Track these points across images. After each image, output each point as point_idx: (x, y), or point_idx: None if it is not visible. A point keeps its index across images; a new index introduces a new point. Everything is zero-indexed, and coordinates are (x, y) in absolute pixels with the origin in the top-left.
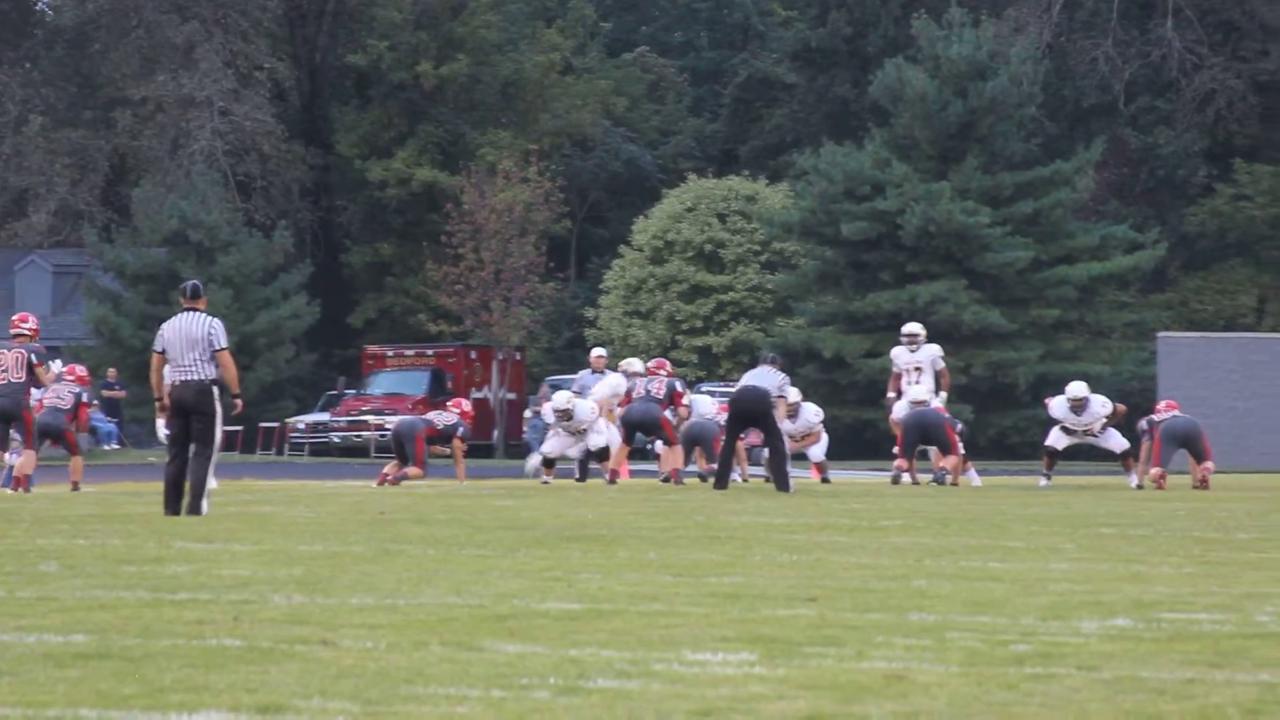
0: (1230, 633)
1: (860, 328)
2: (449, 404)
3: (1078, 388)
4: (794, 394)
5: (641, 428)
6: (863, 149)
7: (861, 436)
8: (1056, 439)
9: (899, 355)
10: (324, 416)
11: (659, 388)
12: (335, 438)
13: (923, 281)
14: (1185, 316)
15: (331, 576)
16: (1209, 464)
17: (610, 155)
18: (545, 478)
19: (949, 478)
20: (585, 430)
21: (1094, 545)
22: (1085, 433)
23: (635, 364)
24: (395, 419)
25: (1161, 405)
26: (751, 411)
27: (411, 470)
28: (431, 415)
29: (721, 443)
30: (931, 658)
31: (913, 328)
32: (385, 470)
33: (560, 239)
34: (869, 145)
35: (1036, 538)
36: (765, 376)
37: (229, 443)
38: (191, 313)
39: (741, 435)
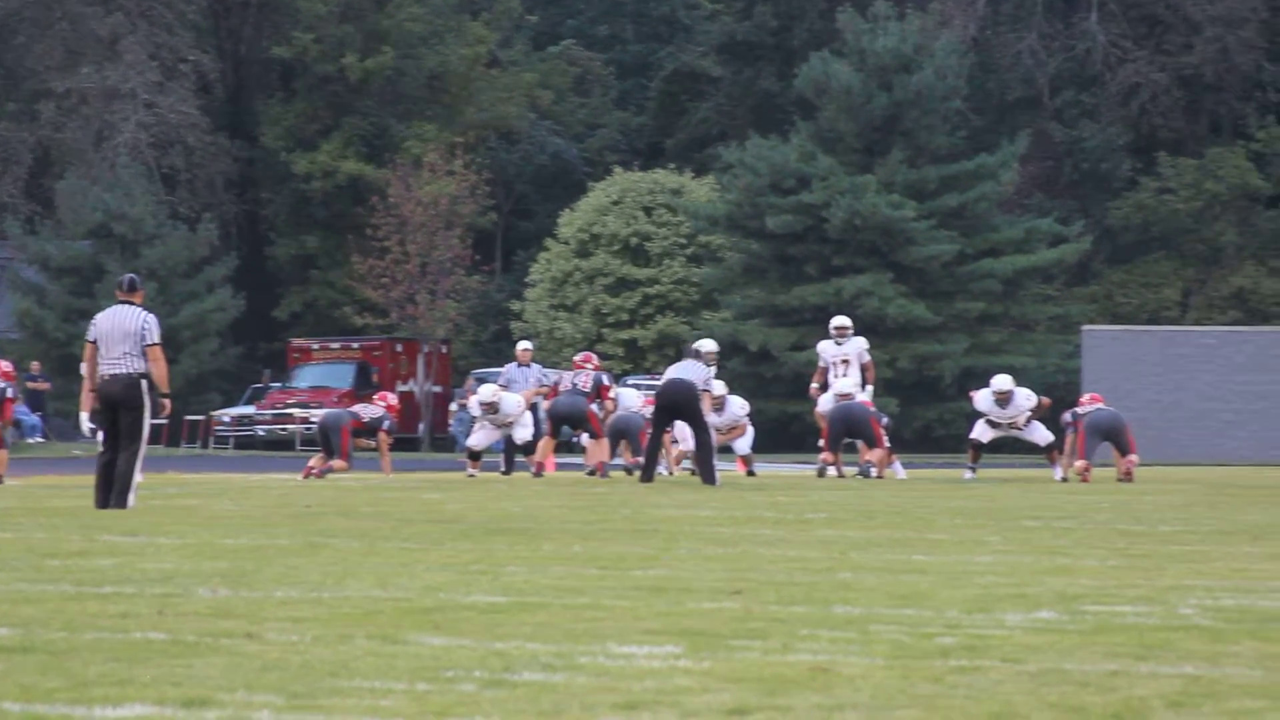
0: (1154, 625)
1: (786, 321)
2: (375, 397)
3: (1002, 381)
4: (719, 387)
5: (568, 421)
6: (788, 142)
7: (787, 429)
8: (981, 432)
9: (825, 349)
10: (249, 409)
11: (585, 381)
12: (260, 431)
13: (848, 275)
14: (1109, 310)
15: (256, 570)
16: (1133, 457)
17: (536, 148)
18: (471, 471)
19: (874, 470)
20: (511, 423)
21: (1019, 538)
22: (1010, 426)
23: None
24: (321, 412)
25: (1085, 398)
26: (677, 405)
27: (337, 463)
28: (357, 408)
29: (647, 436)
30: (856, 650)
31: (841, 320)
32: (311, 463)
33: (486, 232)
34: (794, 138)
35: (961, 530)
36: (691, 370)
37: (154, 436)
38: (126, 306)
39: (668, 429)
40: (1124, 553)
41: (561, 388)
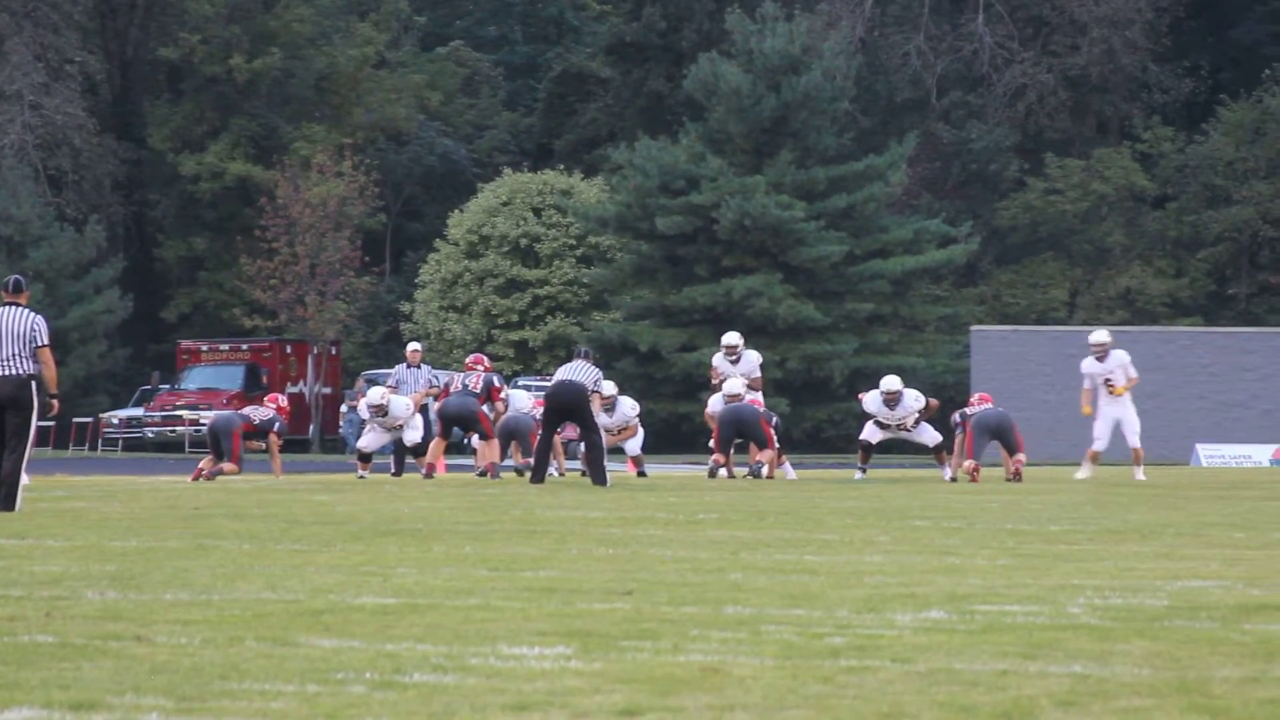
0: (1043, 624)
1: (676, 322)
2: (265, 399)
3: (891, 381)
4: (609, 388)
5: (459, 422)
6: (677, 143)
7: (678, 430)
8: (871, 433)
9: (720, 363)
10: (138, 412)
11: (476, 382)
12: (149, 433)
13: (738, 275)
14: (998, 310)
15: (145, 572)
16: (1021, 456)
17: (425, 149)
18: (361, 472)
19: (765, 471)
20: (401, 425)
21: (908, 538)
22: (899, 427)
23: (732, 336)
24: (211, 414)
25: (974, 398)
26: (567, 406)
27: (227, 466)
28: (248, 410)
29: (538, 437)
30: (747, 650)
31: (731, 339)
32: (201, 465)
33: (375, 233)
34: (683, 139)
35: (851, 531)
36: (581, 371)
37: (42, 438)
38: (14, 307)
39: (558, 430)
40: (1013, 552)
41: (453, 389)
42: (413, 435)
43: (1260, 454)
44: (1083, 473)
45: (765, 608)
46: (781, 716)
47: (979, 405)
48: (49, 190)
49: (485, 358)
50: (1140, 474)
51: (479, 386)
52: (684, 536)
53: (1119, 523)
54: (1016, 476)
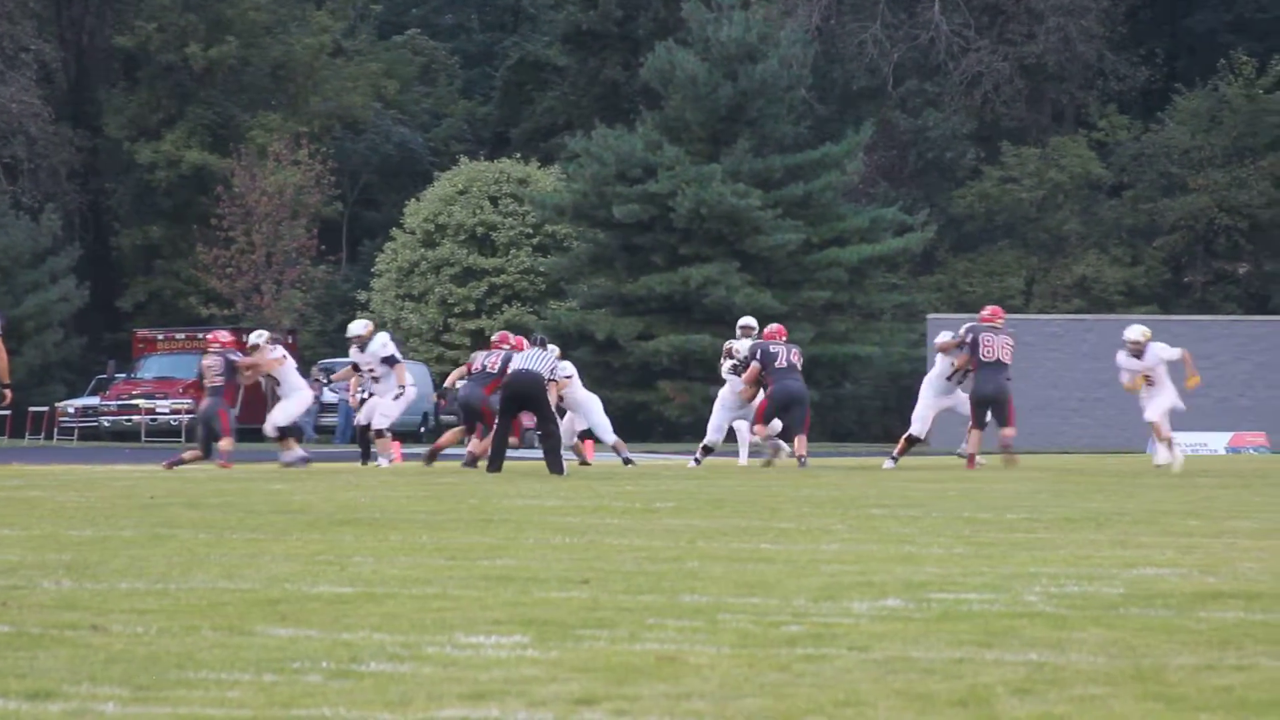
0: (999, 612)
1: (633, 310)
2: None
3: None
4: (566, 368)
5: (467, 411)
6: (634, 132)
7: (634, 419)
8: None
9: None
10: (94, 401)
11: (495, 362)
12: (105, 422)
13: (694, 264)
14: (954, 298)
15: (101, 561)
16: (1010, 430)
17: (381, 138)
18: (286, 455)
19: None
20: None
21: (865, 526)
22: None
23: (749, 322)
24: (168, 404)
25: (986, 311)
26: (524, 395)
27: (224, 443)
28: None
29: (495, 426)
30: (704, 639)
31: (748, 320)
32: (184, 456)
33: (332, 222)
34: (640, 128)
35: (808, 519)
36: (536, 359)
37: None
38: None
39: (514, 418)
40: (969, 540)
41: (473, 368)
42: (381, 421)
43: (1215, 442)
44: (1162, 457)
45: (722, 596)
46: (738, 705)
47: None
48: (4, 178)
49: (511, 334)
50: (1163, 454)
51: (497, 366)
52: (641, 525)
53: (1075, 511)
54: (1005, 450)
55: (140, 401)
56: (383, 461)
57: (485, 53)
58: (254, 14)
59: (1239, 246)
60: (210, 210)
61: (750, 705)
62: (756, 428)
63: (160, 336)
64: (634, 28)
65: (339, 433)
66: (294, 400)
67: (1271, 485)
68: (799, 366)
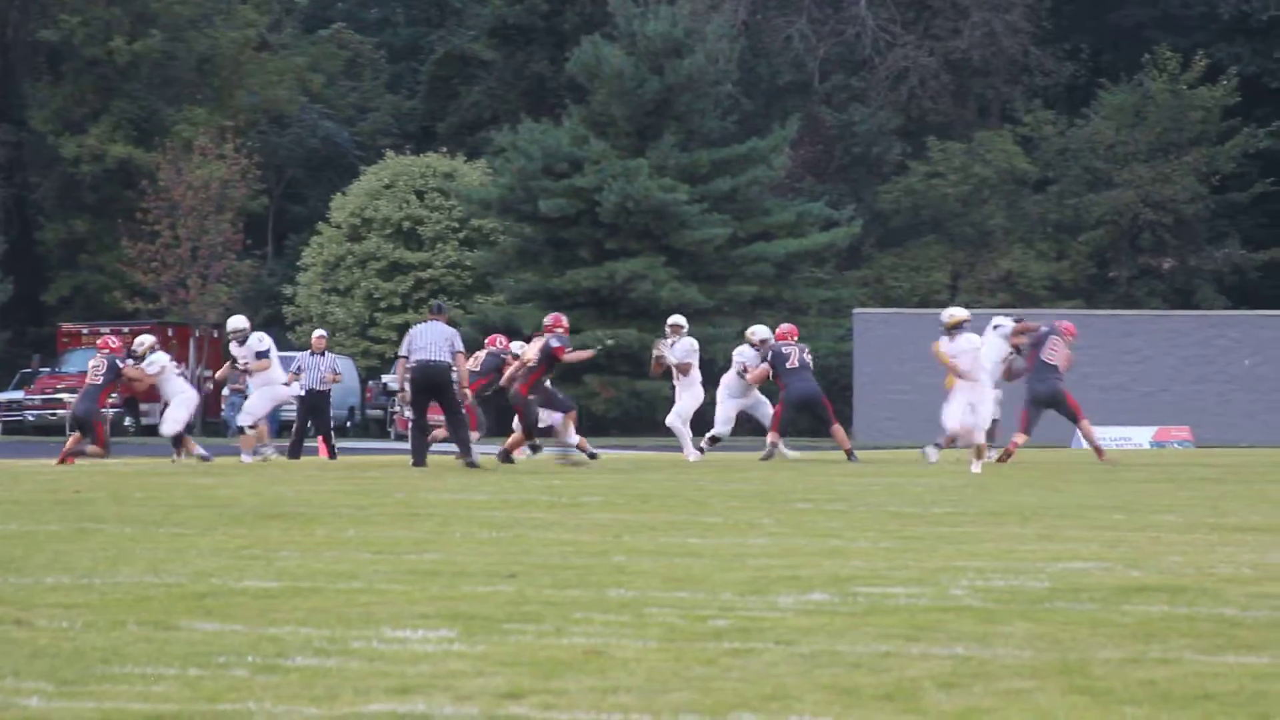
0: (925, 606)
1: (560, 304)
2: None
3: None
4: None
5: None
6: (560, 126)
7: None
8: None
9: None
10: (18, 395)
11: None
12: (30, 416)
13: (621, 258)
14: (881, 293)
15: (26, 556)
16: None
17: (307, 132)
18: (175, 456)
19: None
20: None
21: (791, 520)
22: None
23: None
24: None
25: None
26: (430, 386)
27: (91, 448)
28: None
29: (410, 421)
30: (630, 633)
31: (678, 319)
32: (67, 447)
33: (257, 216)
34: (567, 122)
35: (735, 513)
36: (438, 341)
37: None
38: None
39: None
40: (896, 534)
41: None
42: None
43: (1140, 436)
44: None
45: (648, 590)
46: (664, 699)
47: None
48: None
49: (500, 337)
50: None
51: (535, 359)
52: (567, 519)
53: (1000, 505)
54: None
55: (65, 395)
56: (245, 457)
57: (411, 47)
58: (179, 8)
59: (1164, 242)
60: (135, 204)
61: (677, 699)
62: (772, 434)
63: (85, 330)
64: (560, 22)
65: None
66: (179, 405)
67: (1196, 479)
68: (810, 365)
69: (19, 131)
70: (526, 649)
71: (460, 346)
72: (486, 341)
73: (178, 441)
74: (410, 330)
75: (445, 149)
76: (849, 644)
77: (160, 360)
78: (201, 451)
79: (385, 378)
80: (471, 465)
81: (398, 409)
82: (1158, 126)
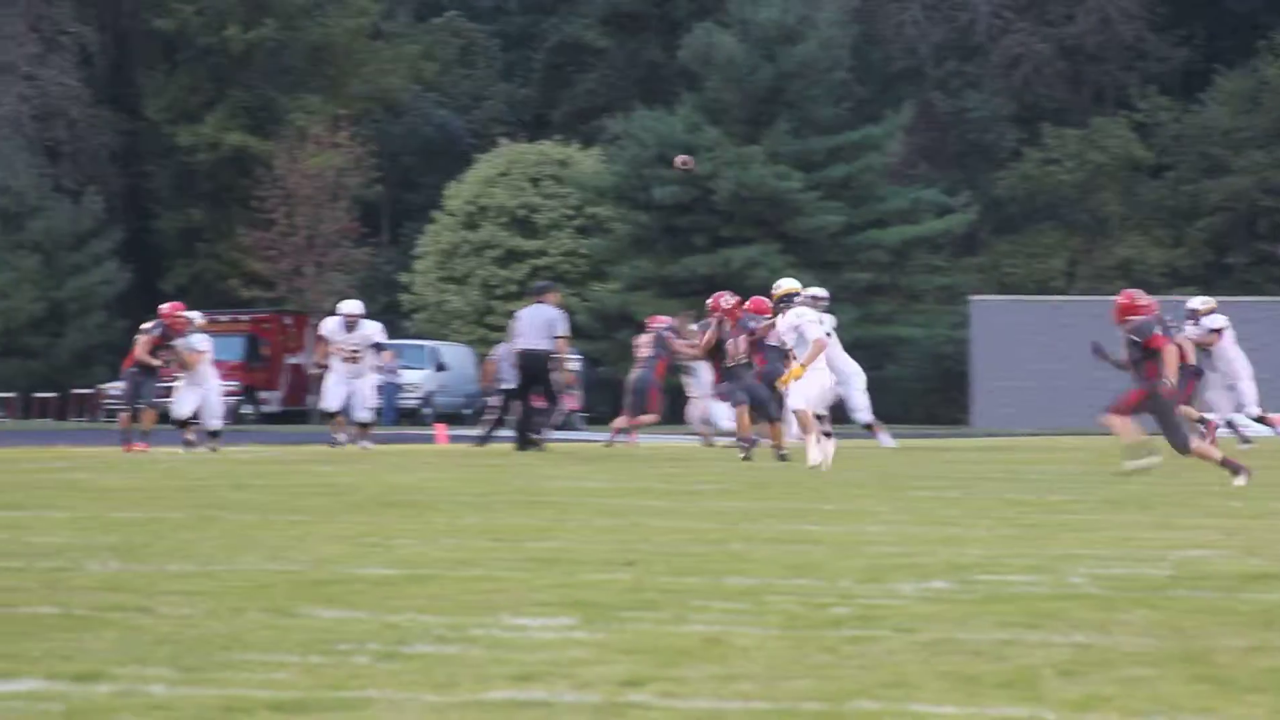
0: (1045, 594)
1: (675, 292)
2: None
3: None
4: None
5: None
6: (674, 113)
7: (676, 402)
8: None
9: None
10: None
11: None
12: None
13: (736, 246)
14: (996, 280)
15: (148, 543)
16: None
17: (421, 120)
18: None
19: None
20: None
21: (909, 508)
22: None
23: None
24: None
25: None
26: (531, 372)
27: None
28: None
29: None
30: (749, 621)
31: (818, 290)
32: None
33: (373, 204)
34: (680, 110)
35: (853, 500)
36: (539, 326)
37: (42, 409)
38: None
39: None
40: (1014, 522)
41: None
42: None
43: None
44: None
45: (767, 578)
46: (784, 687)
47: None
48: (46, 162)
49: (662, 317)
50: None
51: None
52: (684, 507)
53: (1119, 492)
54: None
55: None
56: (365, 444)
57: (525, 34)
58: None
59: None
60: (251, 193)
61: (797, 687)
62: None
63: (203, 318)
64: (673, 9)
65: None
66: (208, 392)
67: None
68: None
69: (135, 120)
70: (646, 636)
71: (562, 330)
72: (648, 322)
73: (183, 425)
74: (517, 314)
75: (560, 136)
76: (969, 632)
77: (204, 345)
78: (192, 438)
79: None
80: (527, 446)
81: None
82: (1274, 112)
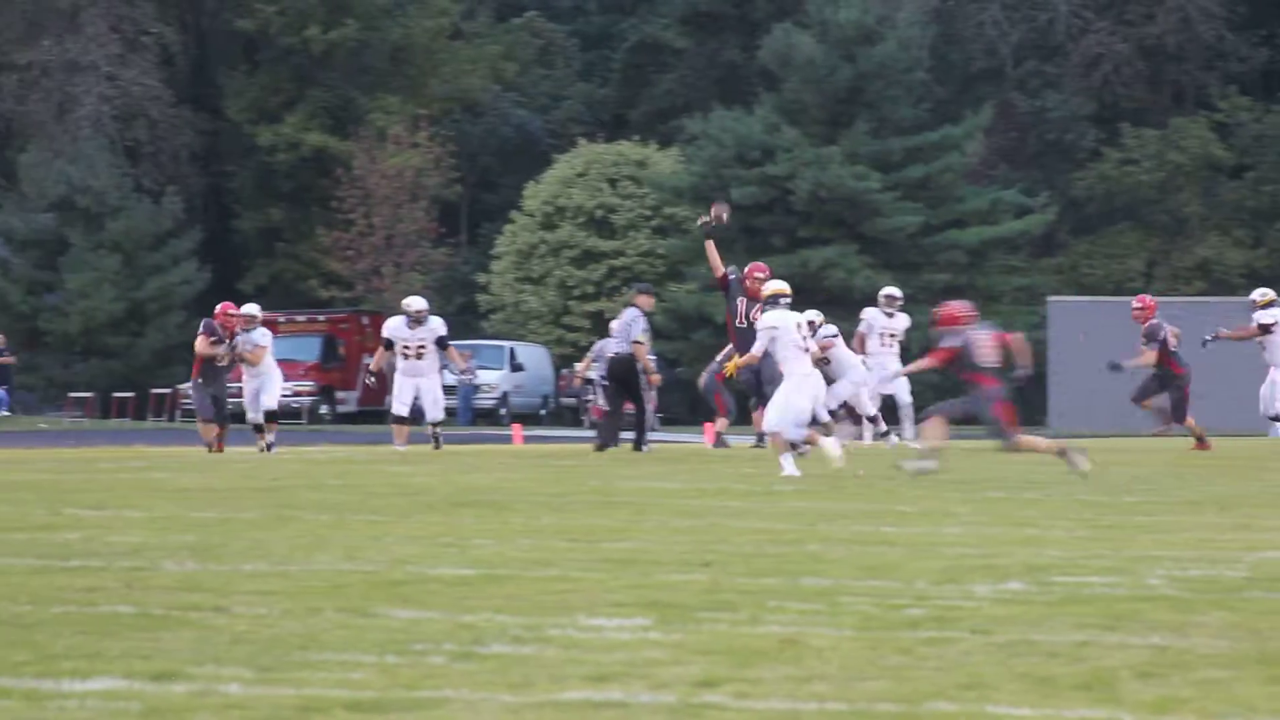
0: (1122, 595)
1: None
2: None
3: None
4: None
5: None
6: (752, 114)
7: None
8: None
9: (875, 318)
10: None
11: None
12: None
13: (814, 246)
14: (1075, 280)
15: (224, 543)
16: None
17: (500, 120)
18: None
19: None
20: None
21: (985, 509)
22: None
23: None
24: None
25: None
26: (619, 378)
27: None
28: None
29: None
30: (825, 622)
31: (892, 290)
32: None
33: (451, 204)
34: (759, 110)
35: (928, 501)
36: (624, 331)
37: (120, 409)
38: None
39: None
40: (1091, 523)
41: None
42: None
43: None
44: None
45: (843, 579)
46: (860, 688)
47: None
48: (126, 162)
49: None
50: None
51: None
52: (761, 508)
53: (1197, 494)
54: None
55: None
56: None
57: (603, 34)
58: None
59: None
60: (330, 193)
61: (873, 688)
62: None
63: (281, 319)
64: (752, 9)
65: (458, 414)
66: (275, 384)
67: None
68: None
69: (215, 120)
70: (722, 637)
71: (636, 334)
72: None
73: (269, 418)
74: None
75: (638, 137)
76: (1045, 633)
77: (266, 339)
78: (271, 439)
79: (578, 366)
80: (640, 448)
81: (592, 397)
82: None
